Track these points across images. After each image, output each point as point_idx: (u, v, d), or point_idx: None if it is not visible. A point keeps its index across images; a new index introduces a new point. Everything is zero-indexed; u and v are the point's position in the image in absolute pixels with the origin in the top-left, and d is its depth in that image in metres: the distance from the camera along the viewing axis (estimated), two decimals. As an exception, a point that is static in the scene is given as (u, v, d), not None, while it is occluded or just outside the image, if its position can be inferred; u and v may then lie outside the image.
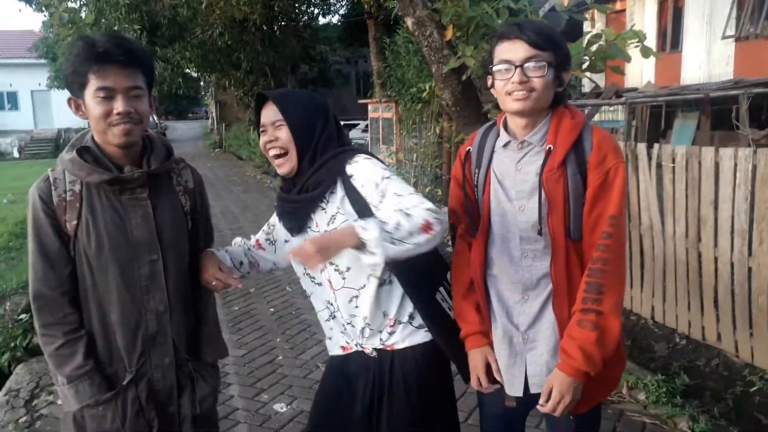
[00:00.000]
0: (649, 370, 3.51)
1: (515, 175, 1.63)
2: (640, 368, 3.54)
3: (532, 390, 1.64)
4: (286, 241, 1.82)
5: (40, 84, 27.68)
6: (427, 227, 1.46)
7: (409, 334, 1.69)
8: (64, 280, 1.56)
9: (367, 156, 1.68)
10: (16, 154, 26.86)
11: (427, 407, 1.69)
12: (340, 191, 1.64)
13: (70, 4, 9.05)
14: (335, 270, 1.68)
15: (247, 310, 5.00)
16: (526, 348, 1.64)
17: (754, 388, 3.26)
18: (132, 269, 1.58)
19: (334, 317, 1.76)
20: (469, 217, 1.71)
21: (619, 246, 1.55)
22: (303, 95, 1.81)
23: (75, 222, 1.55)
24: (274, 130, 1.67)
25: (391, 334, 1.69)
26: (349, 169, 1.64)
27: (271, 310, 4.99)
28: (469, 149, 1.74)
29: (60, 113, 24.83)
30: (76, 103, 1.56)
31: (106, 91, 1.50)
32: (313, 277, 1.75)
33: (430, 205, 1.51)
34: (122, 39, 1.57)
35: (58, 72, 21.64)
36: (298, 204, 1.69)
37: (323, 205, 1.67)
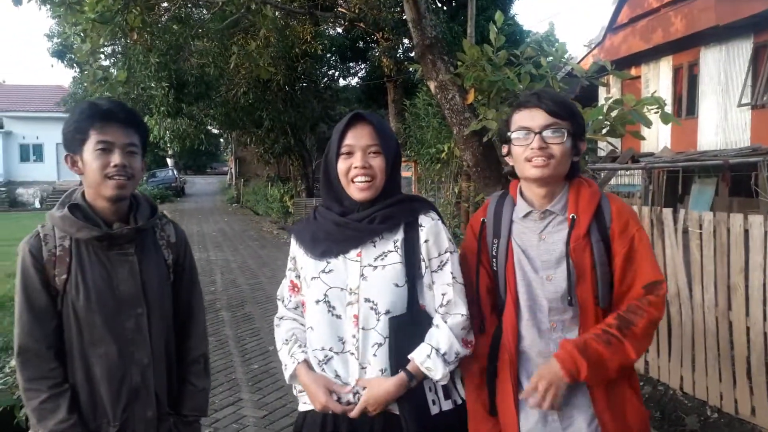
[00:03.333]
0: (682, 444, 3.36)
1: (539, 245, 1.61)
2: (672, 442, 3.39)
3: None
4: (312, 278, 1.68)
5: (66, 137, 28.42)
6: (467, 343, 1.64)
7: None
8: (50, 333, 1.59)
9: (439, 216, 1.69)
10: (37, 205, 27.36)
11: None
12: (400, 234, 1.64)
13: (103, 63, 9.42)
14: (371, 308, 1.60)
15: (267, 369, 4.88)
16: (563, 425, 1.58)
17: (794, 468, 3.10)
18: (118, 322, 1.63)
19: (332, 358, 1.62)
20: (477, 293, 1.68)
21: (661, 310, 1.54)
22: (390, 127, 1.76)
23: (64, 277, 1.60)
24: (367, 156, 1.63)
25: None
26: (423, 219, 1.65)
27: (288, 368, 4.88)
28: (484, 219, 1.72)
29: (83, 166, 25.36)
30: (73, 159, 1.66)
31: (105, 144, 1.61)
32: (333, 306, 1.62)
33: (465, 309, 1.63)
34: (122, 103, 1.74)
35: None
36: (356, 230, 1.63)
37: (377, 239, 1.64)
